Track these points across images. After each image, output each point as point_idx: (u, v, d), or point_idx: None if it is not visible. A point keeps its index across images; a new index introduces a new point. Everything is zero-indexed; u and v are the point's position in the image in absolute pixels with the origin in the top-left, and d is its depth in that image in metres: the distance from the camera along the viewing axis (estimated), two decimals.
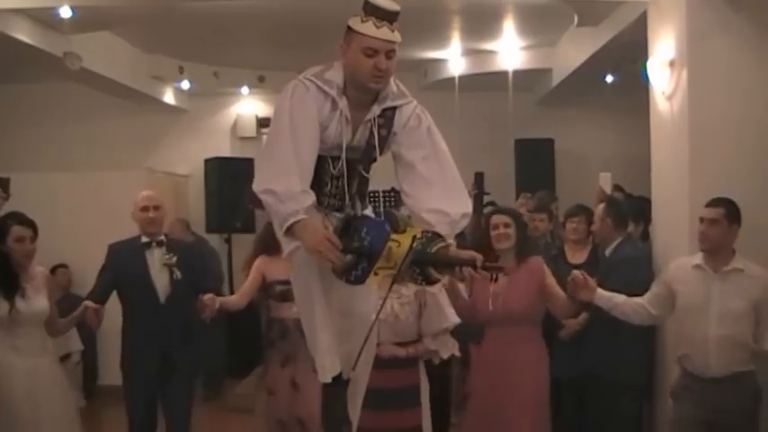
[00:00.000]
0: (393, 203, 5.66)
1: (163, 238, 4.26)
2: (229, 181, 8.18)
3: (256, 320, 4.62)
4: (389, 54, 2.43)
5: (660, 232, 4.69)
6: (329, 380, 2.53)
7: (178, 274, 4.16)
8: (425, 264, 2.36)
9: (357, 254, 2.34)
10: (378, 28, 2.40)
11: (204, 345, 4.62)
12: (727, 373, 3.56)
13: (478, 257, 2.38)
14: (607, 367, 4.35)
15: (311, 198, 2.38)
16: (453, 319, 3.68)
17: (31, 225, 3.97)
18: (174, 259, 4.16)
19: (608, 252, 4.54)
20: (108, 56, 7.19)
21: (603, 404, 4.44)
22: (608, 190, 5.27)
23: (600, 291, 3.71)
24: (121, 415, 4.28)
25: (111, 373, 6.88)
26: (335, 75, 2.48)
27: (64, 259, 7.00)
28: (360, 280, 2.37)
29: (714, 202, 3.73)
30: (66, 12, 5.59)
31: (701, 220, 3.71)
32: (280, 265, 4.19)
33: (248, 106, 9.15)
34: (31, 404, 3.75)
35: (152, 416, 4.22)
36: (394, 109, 2.54)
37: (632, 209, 4.93)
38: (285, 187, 2.32)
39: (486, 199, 6.24)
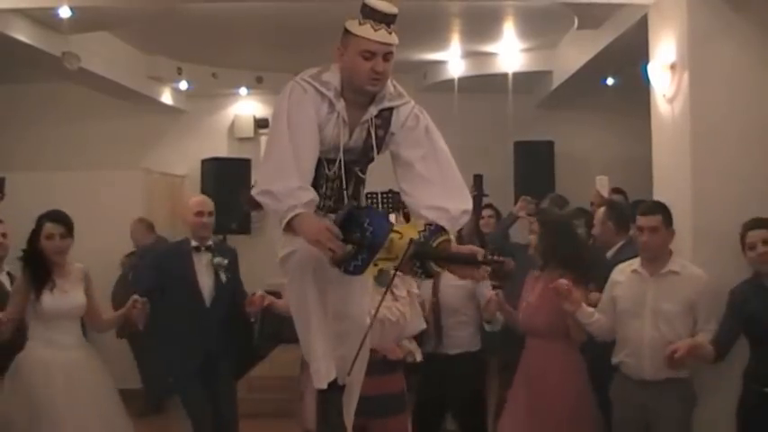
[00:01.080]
0: (391, 205, 5.64)
1: (211, 242, 4.33)
2: (226, 181, 8.14)
3: (248, 326, 4.62)
4: (387, 56, 2.43)
5: None
6: (325, 386, 2.51)
7: (224, 277, 4.24)
8: (426, 257, 2.35)
9: (358, 244, 2.31)
10: (375, 30, 2.39)
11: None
12: (661, 377, 3.59)
13: (479, 251, 2.39)
14: None
15: (311, 194, 2.36)
16: (423, 324, 3.77)
17: (63, 222, 4.03)
18: (226, 262, 4.26)
19: (610, 255, 4.53)
20: (106, 56, 7.20)
21: None
22: (605, 193, 5.25)
23: (584, 306, 3.70)
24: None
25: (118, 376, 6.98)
26: (332, 77, 2.46)
27: None
28: (359, 270, 2.34)
29: (650, 210, 3.78)
30: (65, 12, 5.60)
31: (640, 229, 3.75)
32: None
33: (246, 107, 9.15)
34: (69, 396, 3.82)
35: (209, 411, 4.24)
36: (391, 110, 2.53)
37: (634, 212, 4.91)
38: (282, 186, 2.31)
39: (484, 201, 6.24)
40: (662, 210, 3.77)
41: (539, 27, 6.92)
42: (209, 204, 4.37)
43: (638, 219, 3.83)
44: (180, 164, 8.82)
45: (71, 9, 5.56)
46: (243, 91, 8.90)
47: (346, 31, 2.43)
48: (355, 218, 2.36)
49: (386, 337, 3.50)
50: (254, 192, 2.40)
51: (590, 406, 3.81)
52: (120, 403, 4.11)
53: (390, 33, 2.42)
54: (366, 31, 2.39)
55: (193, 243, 4.29)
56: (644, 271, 3.74)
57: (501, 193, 7.18)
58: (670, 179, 4.57)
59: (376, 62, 2.40)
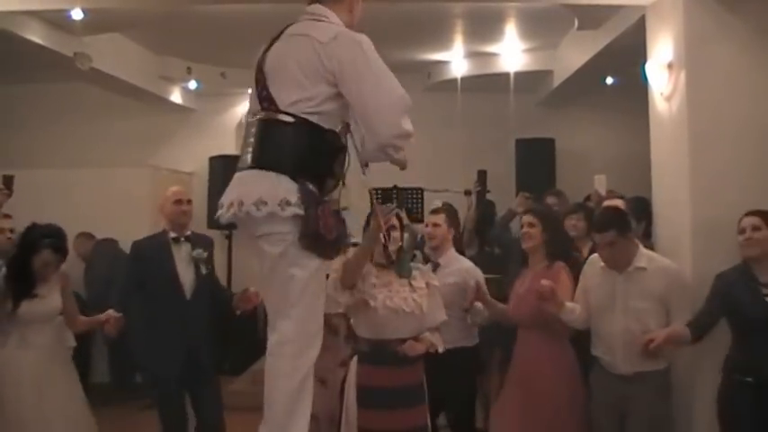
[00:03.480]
0: (395, 200, 5.70)
1: (190, 233, 4.25)
2: (232, 179, 8.24)
3: (251, 319, 4.53)
4: None
5: (661, 232, 4.71)
6: None
7: (204, 269, 4.16)
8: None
9: None
10: None
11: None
12: (634, 371, 3.63)
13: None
14: None
15: None
16: (444, 315, 3.71)
17: (62, 250, 4.01)
18: (205, 254, 4.17)
19: None
20: (117, 57, 7.29)
21: None
22: (603, 192, 5.27)
23: (566, 305, 3.71)
24: (112, 413, 4.25)
25: (102, 371, 7.07)
26: None
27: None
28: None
29: (603, 227, 3.74)
30: (77, 14, 5.69)
31: (598, 245, 3.77)
32: None
33: None
34: (36, 395, 3.80)
35: (185, 416, 4.16)
36: None
37: (635, 207, 4.95)
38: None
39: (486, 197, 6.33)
40: (615, 222, 3.74)
41: (540, 28, 6.99)
42: (186, 193, 4.30)
43: (593, 235, 3.86)
44: (188, 161, 8.89)
45: (83, 11, 5.65)
46: (251, 90, 8.94)
47: None
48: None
49: (402, 329, 3.49)
50: (404, 125, 2.45)
51: (581, 401, 3.82)
52: (86, 404, 4.07)
53: None
54: None
55: (172, 234, 4.18)
56: (611, 268, 3.76)
57: (503, 188, 7.25)
58: (668, 176, 4.63)
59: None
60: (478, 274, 4.27)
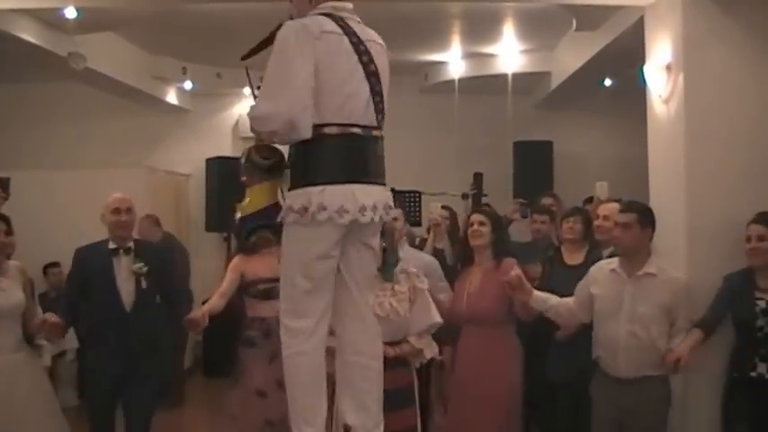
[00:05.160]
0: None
1: (131, 244, 4.06)
2: (230, 180, 8.18)
3: (234, 321, 4.48)
4: None
5: (658, 235, 4.71)
6: None
7: (145, 283, 3.98)
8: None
9: None
10: None
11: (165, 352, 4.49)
12: (636, 375, 3.64)
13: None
14: None
15: None
16: (437, 318, 3.70)
17: (3, 219, 3.87)
18: (145, 269, 3.98)
19: (606, 255, 4.57)
20: (112, 56, 7.26)
21: None
22: (604, 199, 5.27)
23: (536, 293, 3.81)
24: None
25: None
26: None
27: (63, 257, 7.03)
28: None
29: (627, 207, 3.86)
30: (71, 13, 5.65)
31: (615, 224, 3.85)
32: (261, 264, 4.19)
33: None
34: (8, 401, 3.66)
35: (112, 424, 4.05)
36: None
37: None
38: None
39: (482, 200, 6.31)
40: (639, 210, 3.81)
41: (538, 29, 6.98)
42: (126, 201, 4.10)
43: (617, 215, 3.92)
44: (184, 163, 8.89)
45: (77, 10, 5.61)
46: (247, 91, 8.87)
47: None
48: None
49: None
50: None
51: (519, 396, 3.99)
52: (57, 409, 3.98)
53: None
54: None
55: (111, 245, 4.01)
56: (621, 271, 3.77)
57: (500, 192, 7.25)
58: (665, 178, 4.62)
59: None
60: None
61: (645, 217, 3.79)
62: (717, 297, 3.88)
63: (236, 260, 4.33)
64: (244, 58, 2.85)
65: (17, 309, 3.83)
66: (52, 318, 3.89)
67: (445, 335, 4.40)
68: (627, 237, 3.75)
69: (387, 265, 3.57)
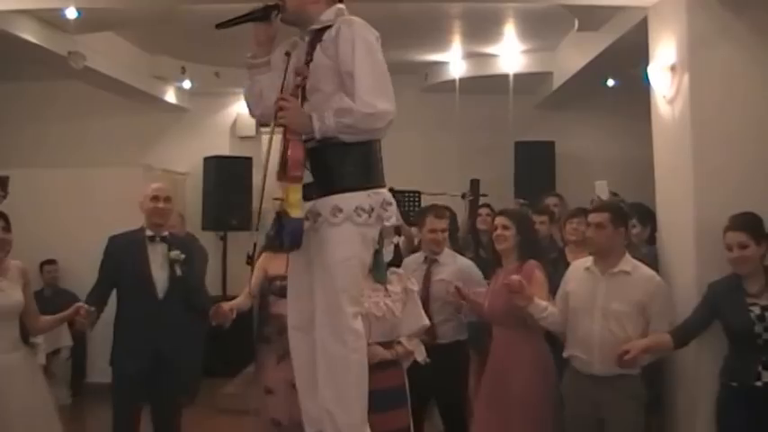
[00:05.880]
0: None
1: (167, 233, 4.16)
2: (227, 179, 8.23)
3: (245, 320, 4.47)
4: None
5: (665, 236, 4.68)
6: None
7: (179, 271, 4.06)
8: None
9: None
10: None
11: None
12: (610, 373, 3.62)
13: None
14: None
15: None
16: (426, 320, 3.72)
17: (1, 217, 3.85)
18: (183, 257, 4.07)
19: None
20: (111, 56, 7.27)
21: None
22: (604, 197, 5.26)
23: (537, 301, 3.74)
24: (108, 412, 4.16)
25: (99, 370, 6.87)
26: None
27: (59, 255, 7.02)
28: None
29: (599, 207, 3.92)
30: (71, 13, 5.66)
31: (588, 225, 3.86)
32: (281, 261, 4.19)
33: None
34: (4, 400, 3.64)
35: (137, 415, 4.06)
36: None
37: (640, 213, 4.91)
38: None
39: (482, 201, 6.29)
40: (611, 209, 3.85)
41: (539, 29, 6.96)
42: (165, 190, 4.20)
43: (589, 215, 3.94)
44: (182, 161, 8.87)
45: (77, 10, 5.62)
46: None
47: None
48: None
49: (372, 333, 3.39)
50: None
51: (554, 401, 3.82)
52: (53, 410, 3.94)
53: None
54: None
55: (148, 233, 4.09)
56: (596, 269, 3.78)
57: (501, 193, 7.22)
58: (672, 179, 4.59)
59: None
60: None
61: (617, 216, 3.80)
62: (700, 305, 3.80)
63: (262, 258, 4.30)
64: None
65: (15, 309, 3.81)
66: (83, 306, 3.88)
67: (474, 342, 4.49)
68: (599, 236, 3.77)
69: (378, 266, 3.55)
